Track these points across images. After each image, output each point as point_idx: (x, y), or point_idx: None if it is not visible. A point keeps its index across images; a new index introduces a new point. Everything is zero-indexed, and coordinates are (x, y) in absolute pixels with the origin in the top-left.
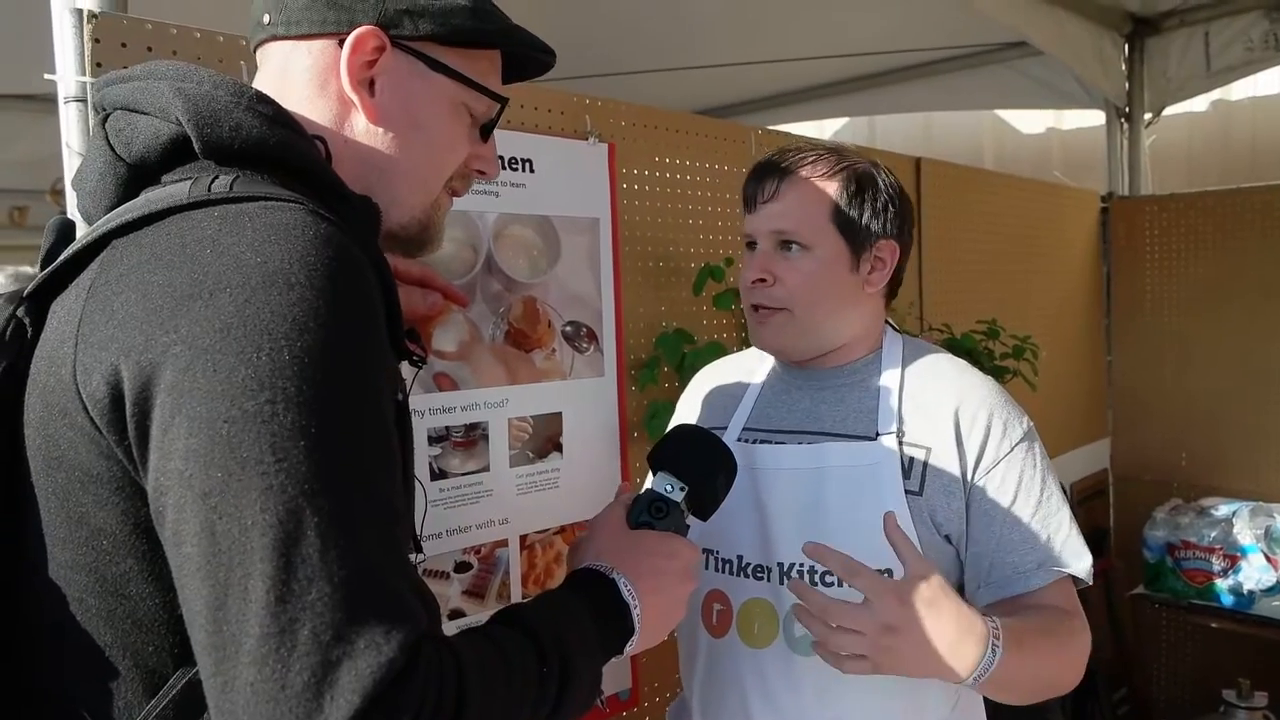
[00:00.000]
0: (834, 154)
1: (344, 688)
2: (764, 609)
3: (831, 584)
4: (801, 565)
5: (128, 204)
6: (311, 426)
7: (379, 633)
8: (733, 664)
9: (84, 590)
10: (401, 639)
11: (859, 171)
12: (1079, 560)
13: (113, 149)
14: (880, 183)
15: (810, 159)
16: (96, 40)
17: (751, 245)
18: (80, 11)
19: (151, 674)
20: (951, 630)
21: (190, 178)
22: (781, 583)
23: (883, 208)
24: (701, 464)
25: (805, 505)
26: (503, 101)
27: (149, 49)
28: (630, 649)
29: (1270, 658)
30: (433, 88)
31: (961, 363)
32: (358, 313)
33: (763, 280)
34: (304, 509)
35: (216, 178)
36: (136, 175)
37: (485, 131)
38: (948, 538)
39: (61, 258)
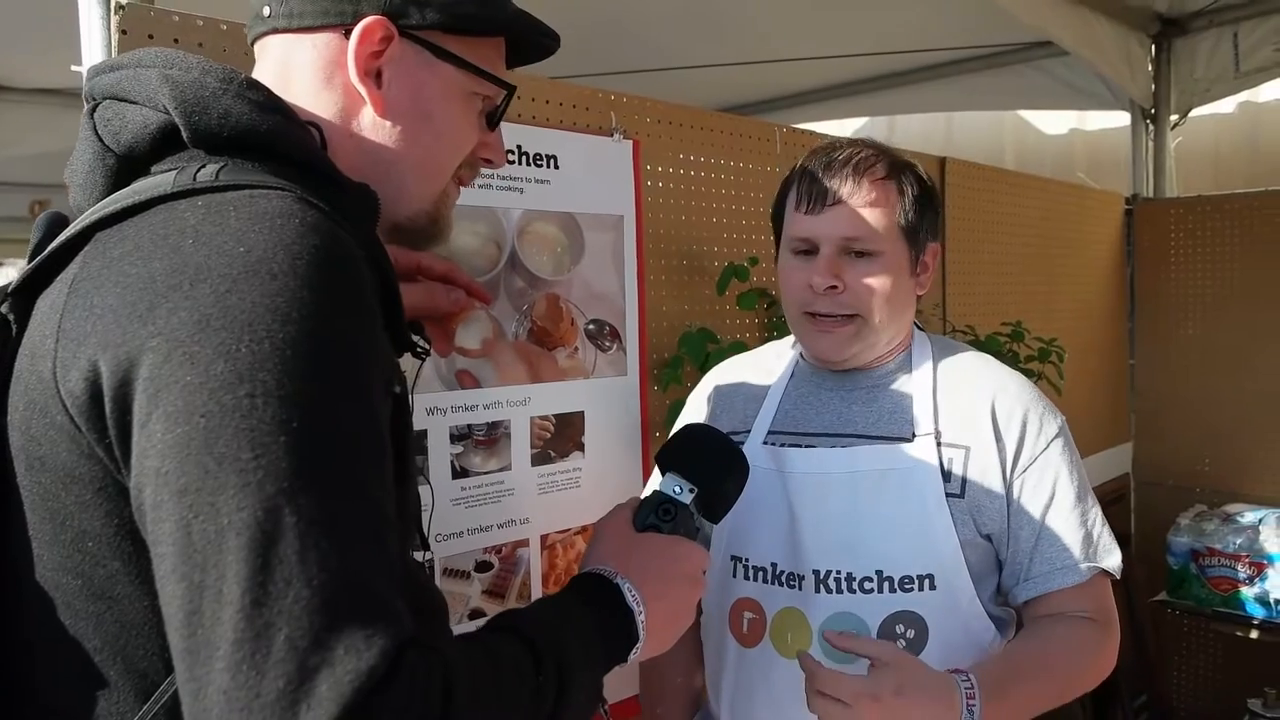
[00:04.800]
0: (885, 154)
1: (321, 697)
2: (797, 618)
3: (871, 590)
4: (838, 572)
5: (113, 195)
6: (293, 421)
7: (360, 639)
8: (765, 674)
9: (72, 594)
10: (384, 645)
11: (915, 175)
12: (1111, 556)
13: (101, 140)
14: (929, 185)
15: (871, 160)
16: (124, 31)
17: (808, 250)
18: (108, 2)
19: (143, 679)
20: (921, 714)
21: (178, 167)
22: (817, 591)
23: (933, 210)
24: (711, 465)
25: (840, 510)
26: (510, 89)
27: (175, 41)
28: (635, 656)
29: None
30: (441, 77)
31: (991, 359)
32: (345, 303)
33: (834, 287)
34: (283, 508)
35: (203, 166)
36: (126, 166)
37: (492, 120)
38: (988, 537)
39: (46, 251)
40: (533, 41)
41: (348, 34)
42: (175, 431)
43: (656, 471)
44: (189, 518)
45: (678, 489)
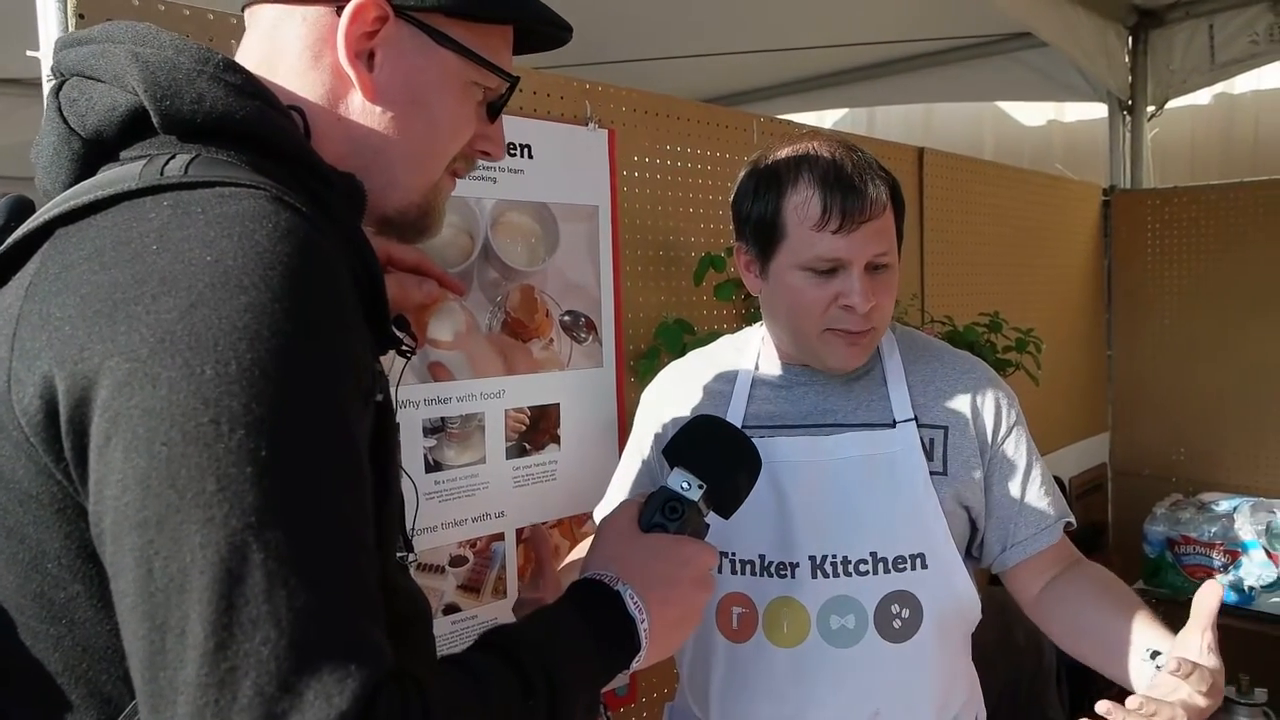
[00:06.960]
0: (861, 151)
1: None
2: (792, 607)
3: (866, 572)
4: (834, 556)
5: (78, 186)
6: (261, 449)
7: (331, 682)
8: (761, 667)
9: (31, 616)
10: (357, 688)
11: (889, 171)
12: (1069, 512)
13: (66, 122)
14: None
15: (866, 162)
16: (81, 15)
17: (831, 269)
18: None
19: (106, 703)
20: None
21: (148, 155)
22: (813, 576)
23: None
24: (722, 459)
25: (833, 494)
26: (513, 81)
27: None
28: (638, 664)
29: (1270, 654)
30: (438, 63)
31: (946, 344)
32: (320, 318)
33: (873, 306)
34: (249, 544)
35: (173, 158)
36: (93, 150)
37: (493, 111)
38: (967, 509)
39: (5, 245)
40: (543, 31)
41: (340, 10)
42: (135, 461)
43: (624, 460)
44: (150, 554)
45: (685, 485)
